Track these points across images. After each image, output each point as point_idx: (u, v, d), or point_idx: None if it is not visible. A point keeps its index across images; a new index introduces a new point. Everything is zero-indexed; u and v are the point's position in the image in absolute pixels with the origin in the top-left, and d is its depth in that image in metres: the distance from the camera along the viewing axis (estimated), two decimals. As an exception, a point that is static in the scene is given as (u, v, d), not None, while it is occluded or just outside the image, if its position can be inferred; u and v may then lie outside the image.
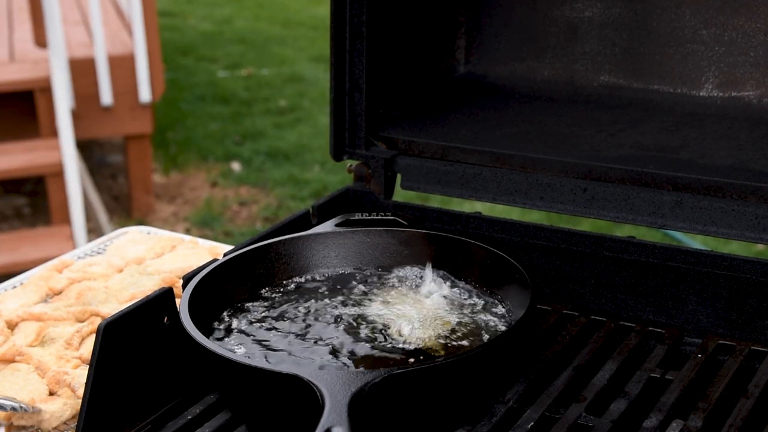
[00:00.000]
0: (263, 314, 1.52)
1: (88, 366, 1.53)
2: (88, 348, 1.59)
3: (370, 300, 1.55)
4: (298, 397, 1.22)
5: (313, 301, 1.55)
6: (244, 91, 8.13)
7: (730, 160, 1.67)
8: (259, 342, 1.44)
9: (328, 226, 1.69)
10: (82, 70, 5.58)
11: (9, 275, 2.21)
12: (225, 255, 1.58)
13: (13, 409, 1.42)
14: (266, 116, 7.50)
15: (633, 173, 1.68)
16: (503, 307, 1.52)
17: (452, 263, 1.62)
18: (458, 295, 1.55)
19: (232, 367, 1.29)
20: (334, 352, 1.40)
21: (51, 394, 1.52)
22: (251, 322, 1.50)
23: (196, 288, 1.46)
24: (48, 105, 5.22)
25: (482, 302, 1.54)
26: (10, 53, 5.72)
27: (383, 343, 1.42)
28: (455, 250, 1.62)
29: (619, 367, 1.48)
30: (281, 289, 1.60)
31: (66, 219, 5.13)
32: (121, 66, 5.66)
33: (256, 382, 1.28)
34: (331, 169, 6.36)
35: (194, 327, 1.36)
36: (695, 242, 4.87)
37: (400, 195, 1.97)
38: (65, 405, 1.48)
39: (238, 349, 1.42)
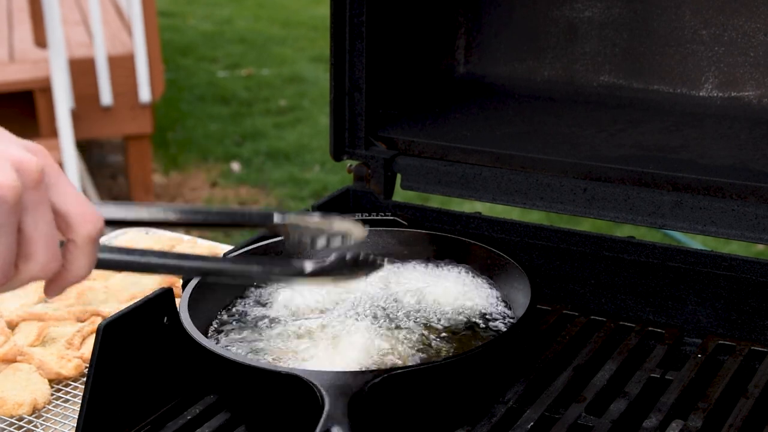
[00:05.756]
0: (263, 314, 1.52)
1: (88, 365, 1.53)
2: (89, 348, 1.59)
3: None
4: (298, 397, 1.22)
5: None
6: (244, 91, 8.13)
7: (730, 160, 1.67)
8: (258, 341, 1.44)
9: (328, 226, 1.69)
10: (82, 70, 5.58)
11: (9, 275, 2.20)
12: (225, 255, 1.58)
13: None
14: (266, 116, 7.50)
15: (633, 173, 1.68)
16: (503, 307, 1.52)
17: (452, 263, 1.62)
18: (458, 295, 1.55)
19: (232, 367, 1.29)
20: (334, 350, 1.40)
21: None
22: (251, 322, 1.50)
23: (196, 288, 1.46)
24: (48, 105, 5.22)
25: (482, 302, 1.53)
26: (10, 53, 5.72)
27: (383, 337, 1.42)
28: (455, 250, 1.62)
29: (619, 367, 1.48)
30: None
31: (66, 219, 5.12)
32: (121, 66, 5.66)
33: (256, 381, 1.28)
34: (331, 169, 6.36)
35: (194, 327, 1.36)
36: (695, 242, 4.87)
37: (400, 195, 1.97)
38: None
39: (237, 348, 1.42)
